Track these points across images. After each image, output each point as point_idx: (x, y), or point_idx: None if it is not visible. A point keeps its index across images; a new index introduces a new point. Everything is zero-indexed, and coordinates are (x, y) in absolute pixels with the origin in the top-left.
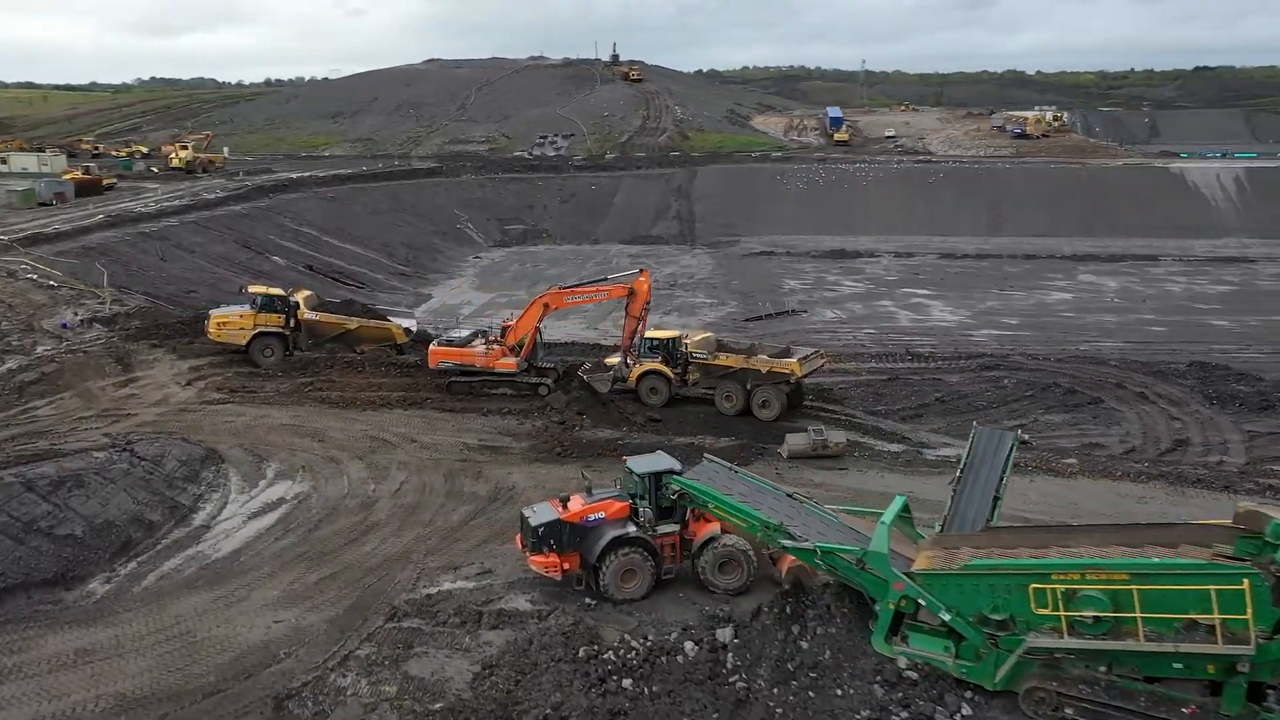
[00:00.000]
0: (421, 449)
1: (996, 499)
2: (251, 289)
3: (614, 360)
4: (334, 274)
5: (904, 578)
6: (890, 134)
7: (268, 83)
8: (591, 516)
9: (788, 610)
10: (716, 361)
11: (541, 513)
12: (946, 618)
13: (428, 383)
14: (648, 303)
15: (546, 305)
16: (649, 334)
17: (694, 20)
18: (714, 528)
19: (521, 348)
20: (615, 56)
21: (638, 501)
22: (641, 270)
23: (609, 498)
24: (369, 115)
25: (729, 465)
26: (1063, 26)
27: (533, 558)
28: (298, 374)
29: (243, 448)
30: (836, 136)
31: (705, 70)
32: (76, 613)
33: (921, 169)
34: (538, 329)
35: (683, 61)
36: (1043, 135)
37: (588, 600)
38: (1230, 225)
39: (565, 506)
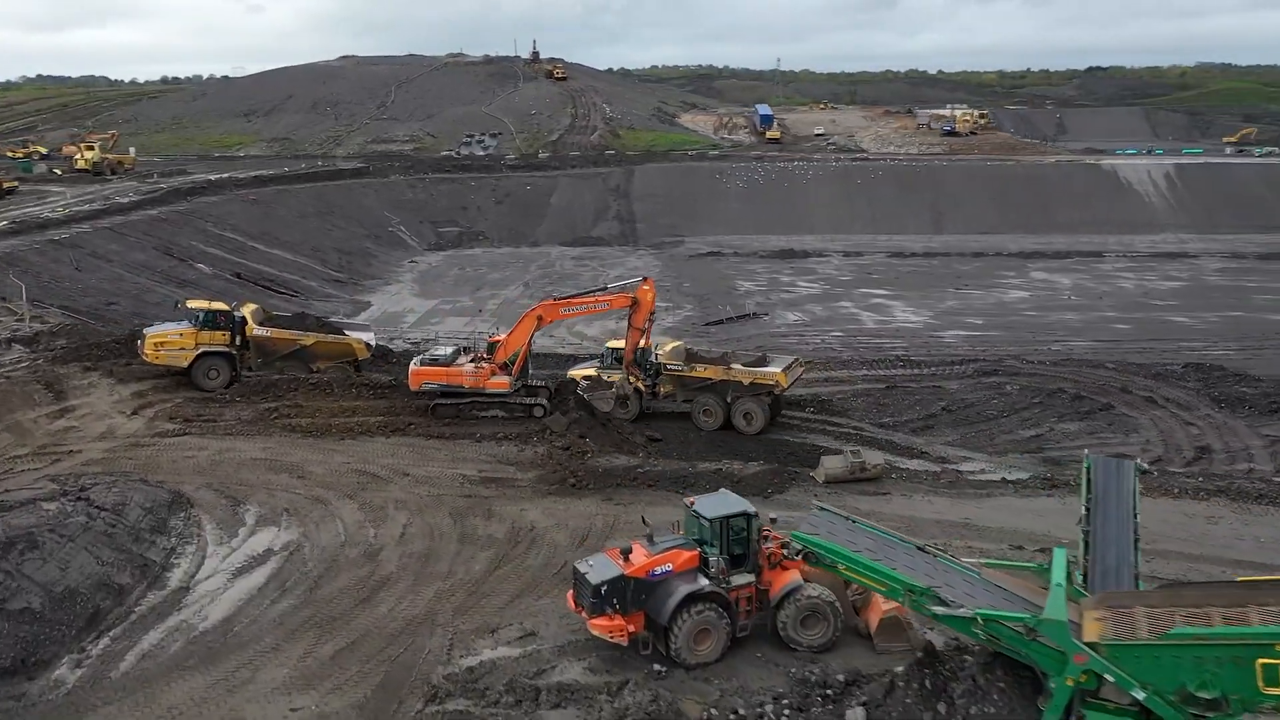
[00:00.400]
0: (417, 484)
1: (1136, 541)
2: (191, 304)
3: (616, 377)
4: (264, 282)
5: (1087, 650)
6: (820, 132)
7: (164, 80)
8: (658, 569)
9: (928, 684)
10: (694, 373)
11: (600, 568)
12: (1141, 696)
13: (407, 405)
14: (652, 313)
15: (540, 318)
16: (611, 344)
17: (601, 19)
18: (794, 577)
19: (512, 365)
20: (535, 54)
21: (707, 549)
22: (645, 279)
23: (674, 546)
24: (284, 114)
25: (844, 514)
26: (961, 27)
27: (593, 621)
28: (258, 398)
29: (212, 488)
30: (768, 134)
31: (614, 69)
32: (45, 709)
33: (860, 167)
34: (529, 345)
35: (590, 60)
36: (971, 132)
37: (656, 667)
38: (1165, 220)
39: (627, 559)
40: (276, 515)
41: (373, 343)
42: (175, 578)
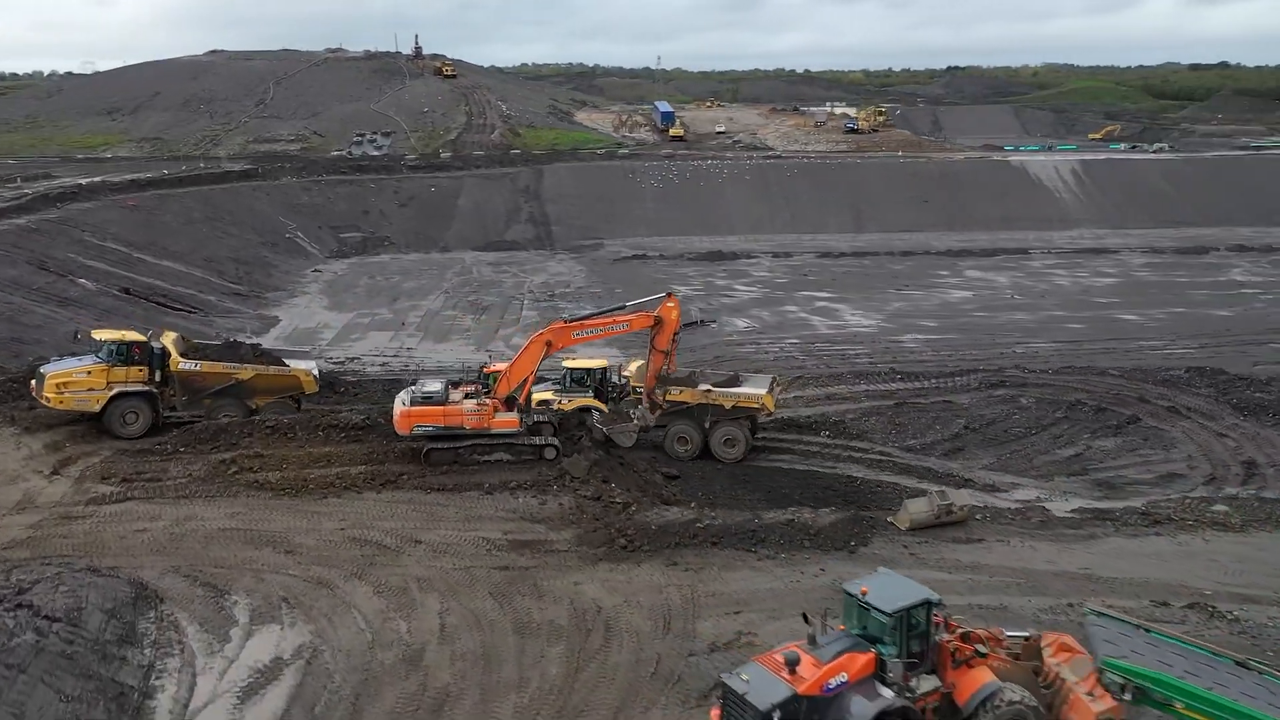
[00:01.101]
0: (435, 554)
1: None
2: (99, 335)
3: (631, 409)
4: (158, 298)
5: None
6: (720, 129)
7: (2, 77)
8: (833, 682)
9: None
10: (668, 397)
11: (763, 685)
12: None
13: (390, 450)
14: (677, 332)
15: (549, 344)
16: (571, 363)
17: (472, 16)
18: (987, 678)
19: (516, 400)
20: (419, 50)
21: (881, 649)
22: (668, 294)
23: (844, 649)
24: (153, 111)
25: (1129, 619)
26: (823, 27)
27: None
28: (206, 447)
29: (181, 574)
30: (671, 132)
31: (485, 67)
32: None
33: (774, 165)
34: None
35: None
36: (873, 129)
37: None
38: (1078, 216)
39: (793, 670)
40: (274, 608)
41: (318, 373)
42: (162, 708)
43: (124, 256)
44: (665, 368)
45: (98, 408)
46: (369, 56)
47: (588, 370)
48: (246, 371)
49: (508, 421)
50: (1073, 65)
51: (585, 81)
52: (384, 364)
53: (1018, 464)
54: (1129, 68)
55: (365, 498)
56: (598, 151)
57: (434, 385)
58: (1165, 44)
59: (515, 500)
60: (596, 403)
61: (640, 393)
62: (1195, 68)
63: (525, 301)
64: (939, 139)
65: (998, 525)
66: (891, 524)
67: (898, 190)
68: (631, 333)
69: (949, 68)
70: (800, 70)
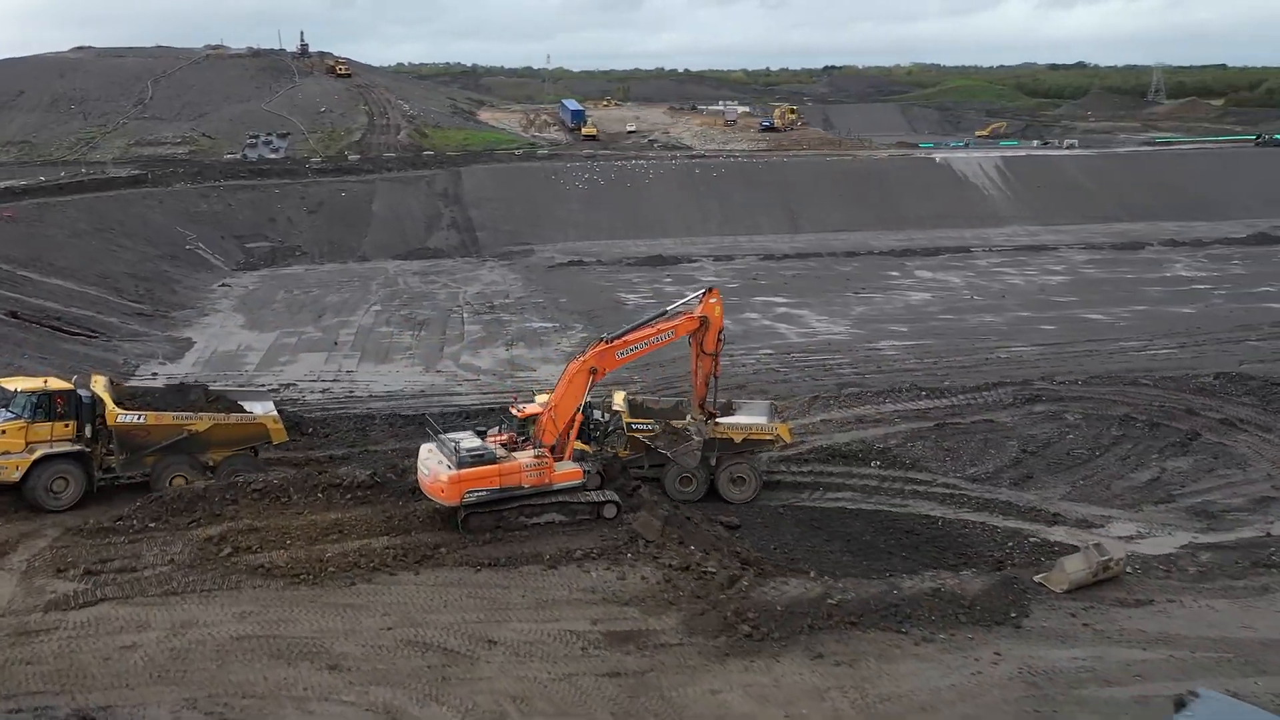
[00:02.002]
0: (518, 658)
1: None
2: (7, 384)
3: (686, 422)
4: (51, 322)
5: None
6: (632, 129)
7: None
8: None
9: None
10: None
11: None
12: None
13: (408, 513)
14: (722, 332)
15: (594, 371)
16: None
17: (344, 15)
18: None
19: (564, 445)
20: (305, 48)
21: None
22: (709, 290)
23: None
24: (16, 112)
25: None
26: (701, 27)
27: None
28: (183, 520)
29: (203, 711)
30: (584, 131)
31: (377, 66)
32: None
33: (701, 165)
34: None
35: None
36: (788, 128)
37: None
38: (1007, 213)
39: None
40: None
41: (276, 413)
42: None
43: (6, 275)
44: (713, 373)
45: (17, 475)
46: (254, 54)
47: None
48: (201, 422)
49: (570, 474)
50: (938, 65)
51: (471, 81)
52: (325, 390)
53: (1096, 492)
54: (991, 67)
55: (402, 581)
56: (515, 152)
57: (471, 440)
58: (1023, 45)
59: (587, 575)
60: (583, 445)
61: (640, 430)
62: (1054, 67)
63: (465, 315)
64: (851, 137)
65: (1154, 579)
66: (1042, 585)
67: (827, 189)
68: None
69: (826, 67)
70: (681, 70)
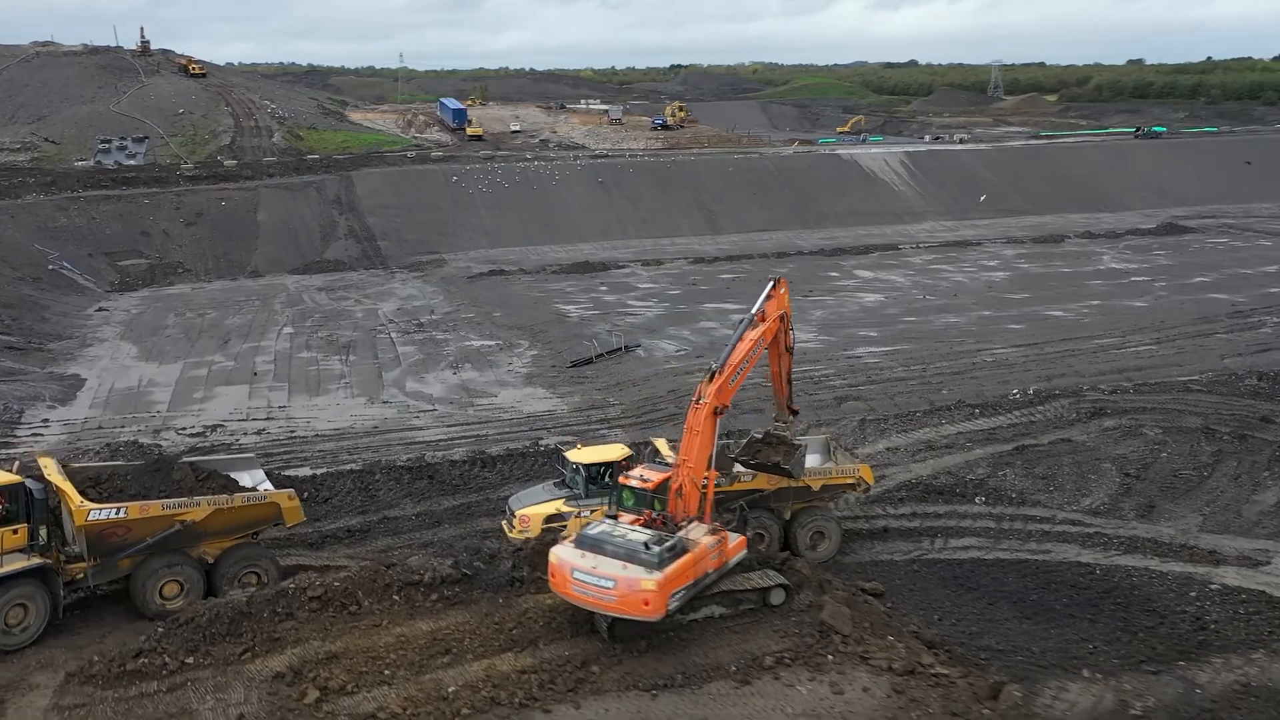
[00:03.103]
0: None
1: None
2: None
3: (778, 429)
4: None
5: None
6: (516, 129)
7: None
8: None
9: None
10: (735, 486)
11: None
12: None
13: (519, 614)
14: (789, 321)
15: (717, 411)
16: (577, 456)
17: (164, 13)
18: None
19: (706, 509)
20: (145, 45)
21: None
22: (778, 281)
23: None
24: None
25: None
26: (542, 27)
27: None
28: (229, 646)
29: None
30: (469, 131)
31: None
32: None
33: (607, 166)
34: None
35: None
36: (680, 125)
37: None
38: (921, 209)
39: None
40: None
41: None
42: None
43: None
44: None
45: None
46: (90, 51)
47: (604, 464)
48: (199, 509)
49: (737, 546)
50: (779, 64)
51: (318, 80)
52: (260, 431)
53: (1231, 521)
54: (828, 65)
55: (560, 717)
56: (407, 155)
57: (639, 531)
58: (854, 44)
59: (795, 691)
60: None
61: None
62: (890, 66)
63: (393, 335)
64: (743, 134)
65: None
66: None
67: (741, 188)
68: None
69: (673, 66)
70: (526, 69)
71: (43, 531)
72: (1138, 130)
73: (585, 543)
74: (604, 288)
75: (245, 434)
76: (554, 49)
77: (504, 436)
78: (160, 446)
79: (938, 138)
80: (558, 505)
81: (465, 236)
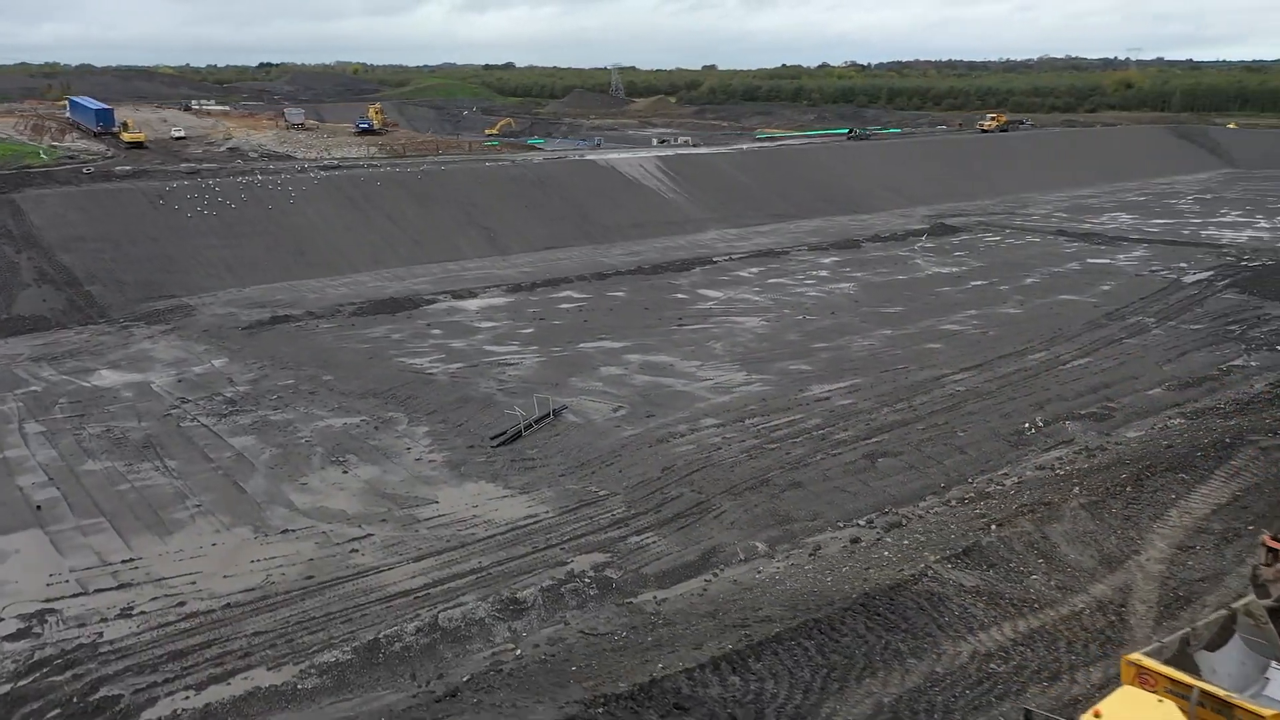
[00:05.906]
0: None
1: None
2: None
3: None
4: None
5: None
6: (179, 134)
7: None
8: None
9: None
10: None
11: None
12: None
13: None
14: None
15: None
16: None
17: None
18: None
19: None
20: None
21: None
22: None
23: None
24: None
25: None
26: (90, 19)
27: None
28: None
29: None
30: (127, 138)
31: None
32: None
33: (349, 179)
34: None
35: None
36: (384, 129)
37: None
38: (698, 217)
39: None
40: None
41: None
42: None
43: None
44: None
45: None
46: None
47: None
48: None
49: None
50: (370, 65)
51: None
52: (129, 613)
53: None
54: (414, 67)
55: None
56: (85, 172)
57: None
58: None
59: None
60: None
61: None
62: (489, 67)
63: (203, 420)
64: (445, 136)
65: None
66: None
67: (509, 201)
68: None
69: (261, 64)
70: (73, 65)
71: None
72: (850, 132)
73: None
74: (437, 331)
75: (106, 620)
76: (111, 43)
77: (520, 570)
78: None
79: (664, 140)
80: None
81: (202, 273)
